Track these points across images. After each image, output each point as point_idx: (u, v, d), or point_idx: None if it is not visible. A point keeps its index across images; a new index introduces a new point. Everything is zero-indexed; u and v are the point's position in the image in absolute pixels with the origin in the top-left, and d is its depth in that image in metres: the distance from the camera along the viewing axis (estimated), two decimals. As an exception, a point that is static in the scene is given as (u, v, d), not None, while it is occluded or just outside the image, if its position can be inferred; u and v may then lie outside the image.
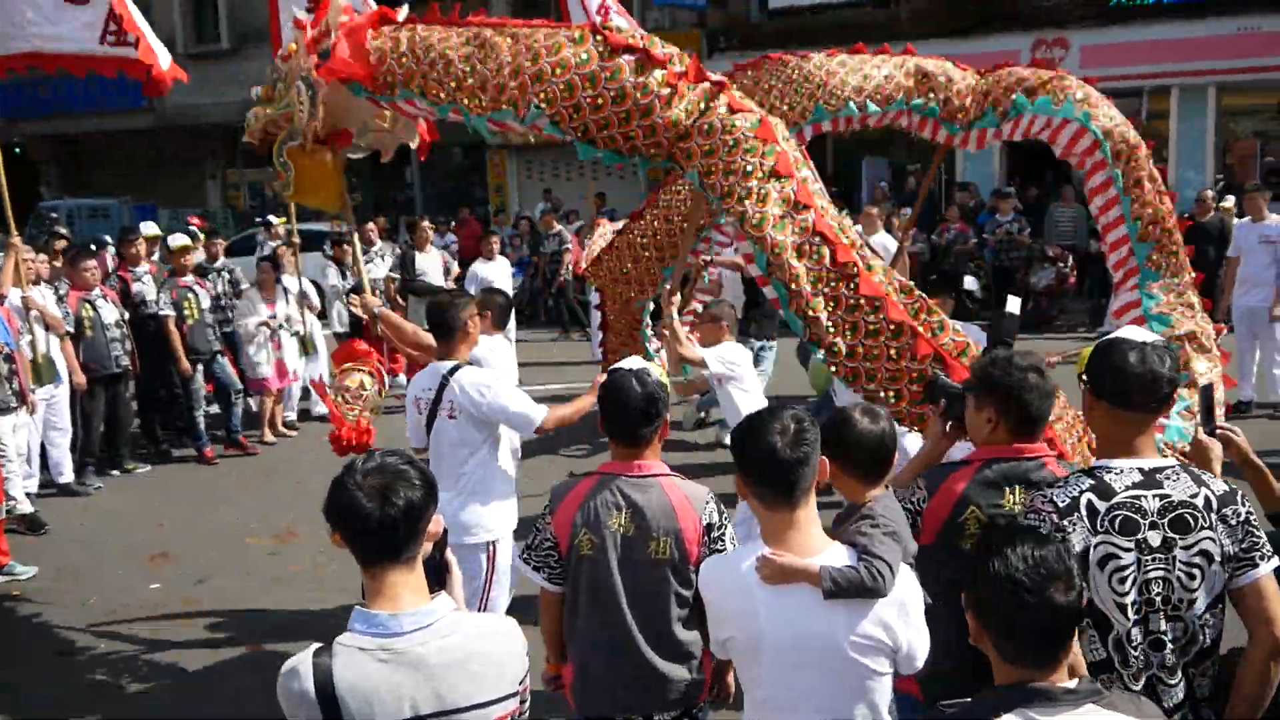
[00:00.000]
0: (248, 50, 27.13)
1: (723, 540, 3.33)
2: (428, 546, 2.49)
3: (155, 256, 11.45)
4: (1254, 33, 17.28)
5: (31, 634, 6.52)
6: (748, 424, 2.89)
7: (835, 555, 2.81)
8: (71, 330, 9.10)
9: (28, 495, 8.49)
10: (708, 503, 3.36)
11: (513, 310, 7.35)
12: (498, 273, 12.63)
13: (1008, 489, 3.18)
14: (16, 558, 7.51)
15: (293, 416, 11.64)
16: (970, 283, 16.14)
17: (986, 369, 3.31)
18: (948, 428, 3.53)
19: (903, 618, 2.79)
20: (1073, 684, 2.24)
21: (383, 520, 2.33)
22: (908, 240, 9.38)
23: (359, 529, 2.35)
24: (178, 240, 10.81)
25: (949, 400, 3.58)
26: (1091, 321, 15.57)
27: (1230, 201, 13.36)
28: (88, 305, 9.33)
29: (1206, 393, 3.46)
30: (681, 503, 3.31)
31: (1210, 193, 12.90)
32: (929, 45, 5.42)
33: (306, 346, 11.36)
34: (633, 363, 3.51)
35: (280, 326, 10.89)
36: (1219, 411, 3.40)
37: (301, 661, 2.33)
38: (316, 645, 2.35)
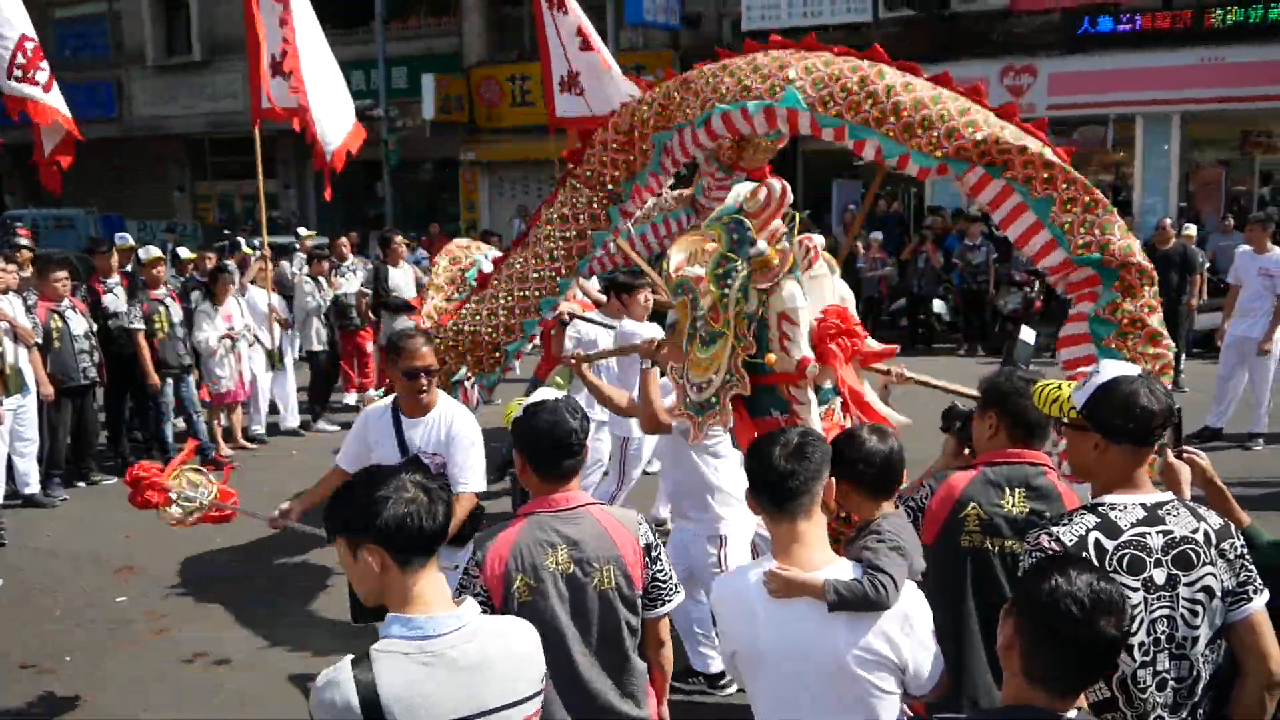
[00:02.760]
0: (218, 62, 27.08)
1: (661, 560, 3.29)
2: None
3: (128, 268, 11.38)
4: (1218, 63, 17.60)
5: (-4, 647, 6.46)
6: (757, 439, 2.98)
7: (840, 569, 2.83)
8: (40, 341, 9.03)
9: (-8, 507, 8.42)
10: (640, 523, 3.30)
11: None
12: (469, 288, 12.60)
13: (1008, 489, 3.32)
14: (-19, 570, 7.44)
15: (260, 430, 11.57)
16: (938, 306, 16.37)
17: (991, 380, 3.53)
18: (960, 447, 3.77)
19: (907, 632, 2.80)
20: (1072, 714, 2.23)
21: (433, 526, 2.40)
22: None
23: (411, 536, 2.38)
24: (149, 252, 10.74)
25: (962, 424, 3.79)
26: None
27: (1193, 230, 13.52)
28: (57, 316, 9.27)
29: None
30: (615, 528, 3.24)
31: (1169, 220, 13.05)
32: (901, 71, 5.47)
33: (274, 361, 11.34)
34: (546, 393, 3.39)
35: (240, 337, 10.82)
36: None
37: (339, 671, 2.28)
38: (350, 656, 2.32)
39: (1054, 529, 2.76)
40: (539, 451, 3.25)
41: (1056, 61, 18.73)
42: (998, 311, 15.65)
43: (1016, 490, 3.32)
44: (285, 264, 14.01)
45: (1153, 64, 18.01)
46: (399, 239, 12.70)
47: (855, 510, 3.22)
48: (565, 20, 10.37)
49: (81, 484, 9.76)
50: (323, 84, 10.43)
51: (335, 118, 10.94)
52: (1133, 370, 2.86)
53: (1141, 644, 2.69)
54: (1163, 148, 18.92)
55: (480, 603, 3.09)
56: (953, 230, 16.76)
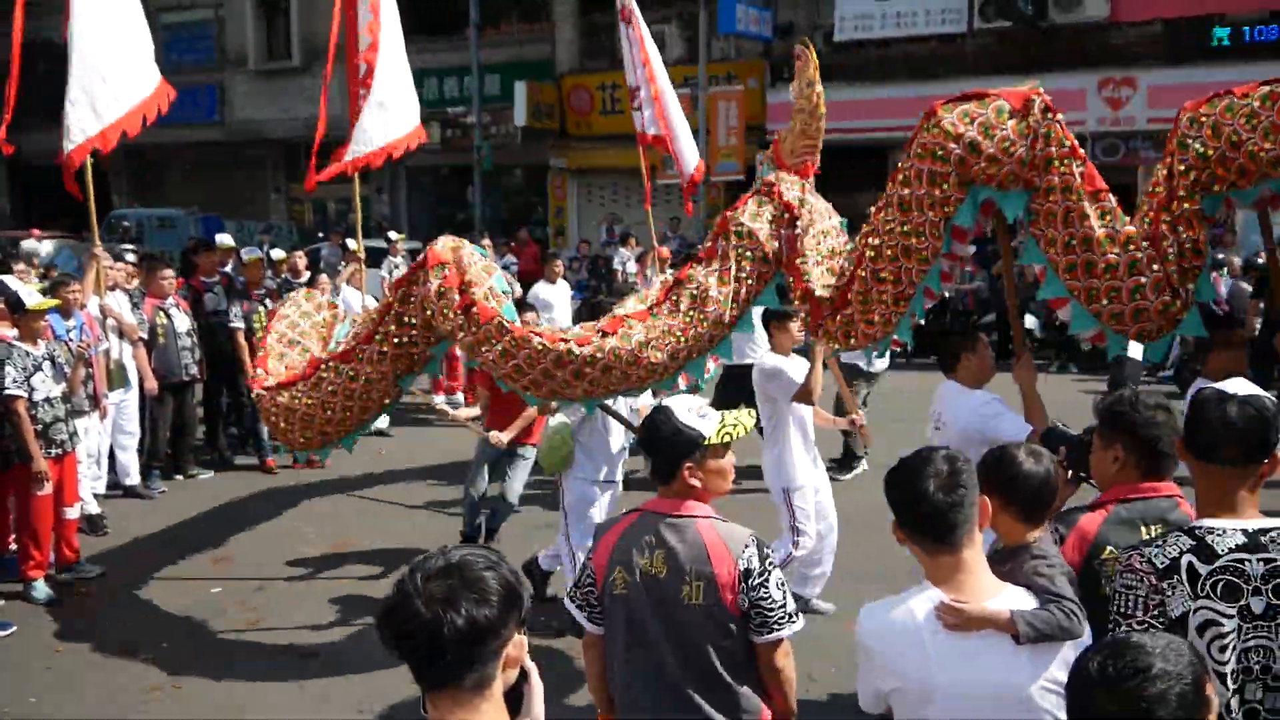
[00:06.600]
0: (316, 68, 27.62)
1: (766, 587, 3.10)
2: (511, 675, 2.01)
3: (227, 267, 11.68)
4: (1327, 77, 17.11)
5: (96, 630, 6.67)
6: (900, 468, 2.79)
7: (1014, 598, 2.73)
8: (145, 337, 9.33)
9: (95, 496, 8.72)
10: (746, 547, 3.13)
11: None
12: (558, 295, 12.73)
13: (1143, 528, 3.11)
14: (84, 557, 7.69)
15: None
16: (1031, 321, 16.09)
17: (1113, 407, 3.25)
18: (1069, 475, 3.49)
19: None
20: None
21: (433, 636, 1.87)
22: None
23: (406, 642, 1.90)
24: (251, 254, 11.04)
25: (1069, 448, 3.55)
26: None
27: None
28: (162, 313, 9.58)
29: None
30: (716, 546, 3.12)
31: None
32: (994, 81, 5.44)
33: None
34: (677, 399, 3.32)
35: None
36: None
37: None
38: None
39: (1146, 550, 2.66)
40: (652, 454, 3.26)
41: (1157, 73, 18.33)
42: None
43: (1153, 528, 3.09)
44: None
45: (1259, 76, 17.47)
46: (486, 243, 12.79)
47: (1004, 534, 3.05)
48: (630, 33, 10.73)
49: (179, 476, 10.04)
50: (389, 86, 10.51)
51: (392, 120, 10.89)
52: (1240, 388, 2.72)
53: (1233, 672, 2.58)
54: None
55: (588, 584, 3.27)
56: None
